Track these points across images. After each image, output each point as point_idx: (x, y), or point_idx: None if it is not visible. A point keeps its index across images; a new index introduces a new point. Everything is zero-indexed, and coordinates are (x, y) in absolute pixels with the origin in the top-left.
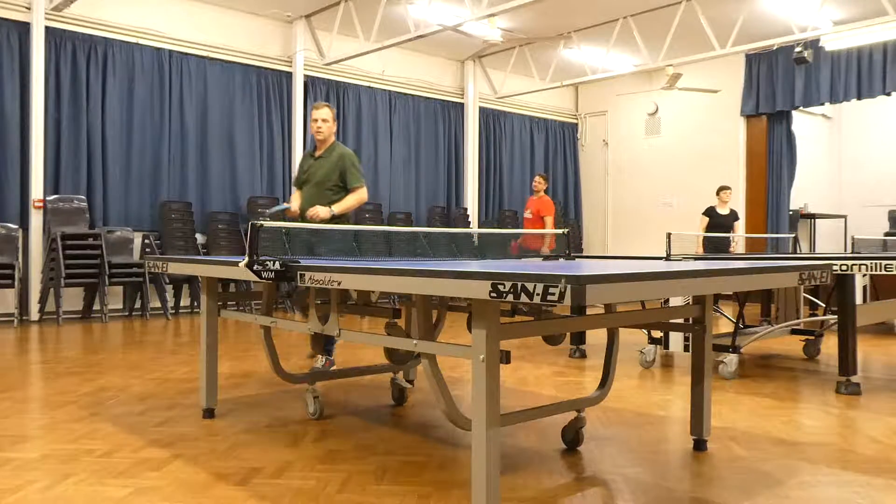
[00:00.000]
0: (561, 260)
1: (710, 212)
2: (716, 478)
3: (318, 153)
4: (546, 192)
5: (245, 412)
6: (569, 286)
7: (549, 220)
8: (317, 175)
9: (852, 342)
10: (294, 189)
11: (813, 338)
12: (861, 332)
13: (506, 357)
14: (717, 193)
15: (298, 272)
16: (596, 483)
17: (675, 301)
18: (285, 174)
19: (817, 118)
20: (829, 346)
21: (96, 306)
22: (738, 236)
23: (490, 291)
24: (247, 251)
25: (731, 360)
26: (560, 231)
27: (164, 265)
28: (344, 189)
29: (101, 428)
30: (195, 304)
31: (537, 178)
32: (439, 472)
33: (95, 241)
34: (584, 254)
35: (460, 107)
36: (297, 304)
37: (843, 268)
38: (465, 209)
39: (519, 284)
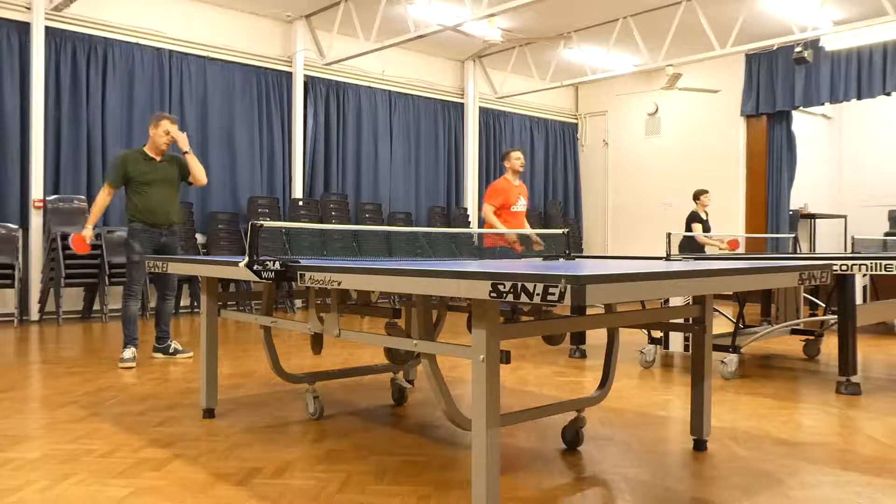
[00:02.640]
0: (561, 260)
1: (698, 217)
2: (716, 478)
3: (157, 158)
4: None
5: (245, 412)
6: (569, 286)
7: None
8: (168, 175)
9: (852, 342)
10: (110, 186)
11: (813, 338)
12: (861, 332)
13: (506, 357)
14: (699, 198)
15: (298, 272)
16: (596, 483)
17: (675, 301)
18: (285, 174)
19: (817, 118)
20: (829, 346)
21: (96, 306)
22: (736, 236)
23: (490, 291)
24: (247, 251)
25: (731, 360)
26: (560, 231)
27: (164, 265)
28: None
29: (101, 428)
30: (195, 304)
31: (521, 154)
32: (439, 472)
33: (95, 241)
34: (584, 254)
35: (460, 107)
36: None
37: (843, 268)
38: (465, 209)
39: (519, 284)
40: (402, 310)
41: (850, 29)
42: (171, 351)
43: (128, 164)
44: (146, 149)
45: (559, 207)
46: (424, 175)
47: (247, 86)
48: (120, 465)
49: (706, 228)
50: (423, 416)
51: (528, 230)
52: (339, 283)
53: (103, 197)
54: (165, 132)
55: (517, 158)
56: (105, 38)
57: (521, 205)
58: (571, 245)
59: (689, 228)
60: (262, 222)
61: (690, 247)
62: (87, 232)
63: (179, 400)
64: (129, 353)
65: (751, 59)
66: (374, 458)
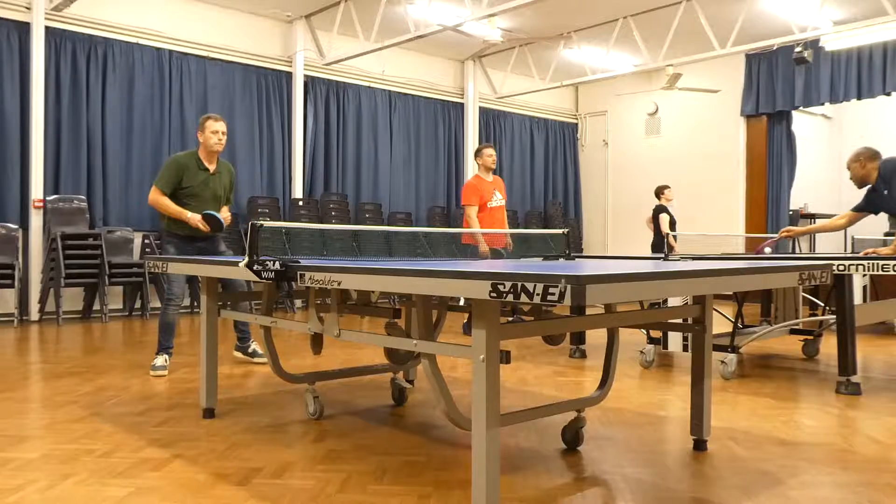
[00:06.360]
0: (561, 260)
1: (665, 209)
2: (716, 478)
3: (210, 167)
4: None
5: (245, 412)
6: (569, 286)
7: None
8: (217, 191)
9: (852, 342)
10: (161, 191)
11: (812, 338)
12: (861, 332)
13: (506, 357)
14: (663, 192)
15: (298, 272)
16: (596, 483)
17: (675, 301)
18: (285, 174)
19: (817, 118)
20: (829, 346)
21: (96, 306)
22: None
23: (490, 291)
24: (247, 251)
25: (730, 360)
26: (560, 231)
27: (164, 265)
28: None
29: (101, 428)
30: (195, 304)
31: (493, 151)
32: (439, 472)
33: (95, 241)
34: (584, 254)
35: (460, 107)
36: None
37: (843, 268)
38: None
39: (519, 284)
40: (402, 310)
41: (850, 29)
42: (249, 352)
43: (184, 172)
44: (200, 155)
45: (559, 207)
46: (424, 175)
47: (247, 86)
48: (120, 465)
49: (672, 222)
50: (423, 416)
51: (505, 230)
52: (339, 283)
53: (163, 198)
54: (214, 132)
55: (489, 155)
56: (105, 38)
57: (498, 199)
58: (571, 245)
59: (656, 220)
60: (262, 222)
61: (663, 246)
62: (195, 215)
63: (179, 400)
64: (159, 360)
65: (751, 59)
66: (374, 458)
